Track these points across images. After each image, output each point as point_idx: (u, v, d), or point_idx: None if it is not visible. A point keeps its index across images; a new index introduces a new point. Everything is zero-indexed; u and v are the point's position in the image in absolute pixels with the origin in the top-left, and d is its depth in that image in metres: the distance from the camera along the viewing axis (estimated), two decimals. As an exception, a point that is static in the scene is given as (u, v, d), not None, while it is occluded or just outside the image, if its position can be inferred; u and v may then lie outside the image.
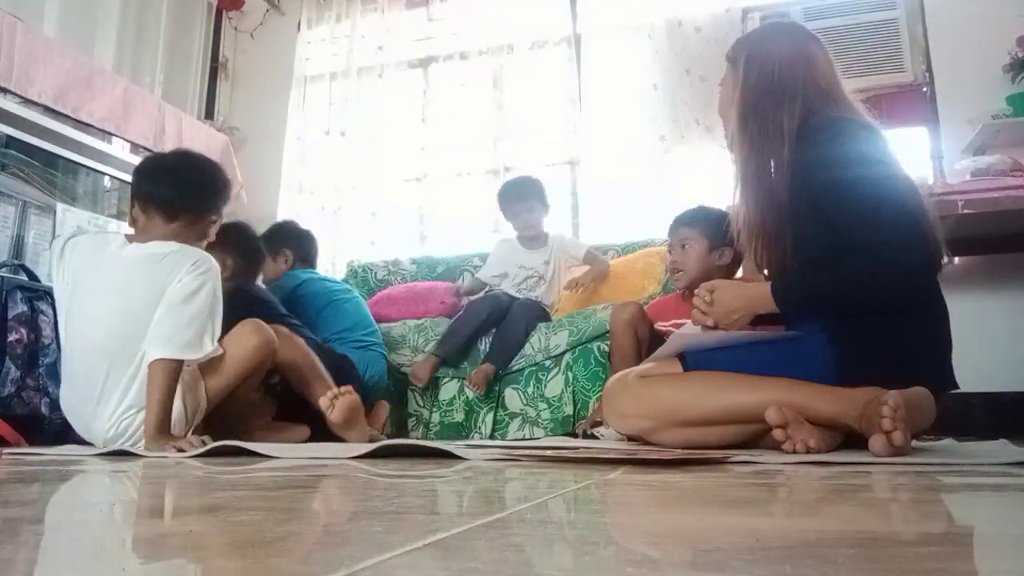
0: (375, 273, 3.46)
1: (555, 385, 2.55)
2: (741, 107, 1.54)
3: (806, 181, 1.43)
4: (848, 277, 1.40)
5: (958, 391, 1.46)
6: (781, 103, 1.48)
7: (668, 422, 1.43)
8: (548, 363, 2.59)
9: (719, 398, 1.40)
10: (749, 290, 1.50)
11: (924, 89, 3.11)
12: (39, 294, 2.22)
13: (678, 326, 2.03)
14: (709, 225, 2.04)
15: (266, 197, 3.86)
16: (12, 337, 2.12)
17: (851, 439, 1.36)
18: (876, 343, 1.38)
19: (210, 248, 1.89)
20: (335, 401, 1.90)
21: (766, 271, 1.61)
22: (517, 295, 2.89)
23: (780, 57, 1.53)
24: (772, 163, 1.48)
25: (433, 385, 2.71)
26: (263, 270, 2.50)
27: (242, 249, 2.26)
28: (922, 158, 3.09)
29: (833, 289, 1.41)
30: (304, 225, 2.97)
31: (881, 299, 1.38)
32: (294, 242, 2.79)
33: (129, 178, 3.03)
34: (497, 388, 2.64)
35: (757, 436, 1.42)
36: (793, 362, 1.41)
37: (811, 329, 1.44)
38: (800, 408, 1.34)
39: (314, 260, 2.88)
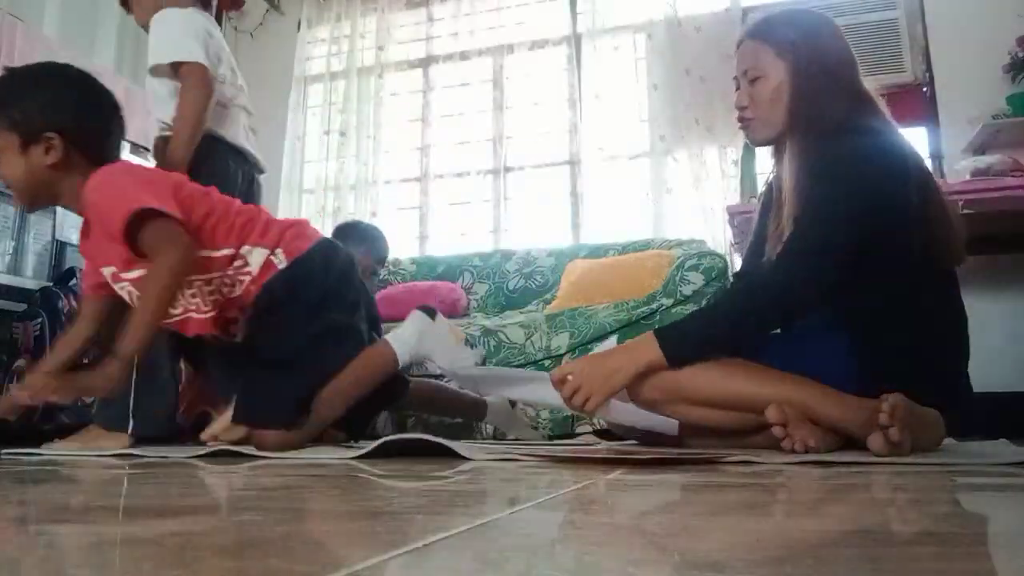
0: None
1: (555, 385, 2.55)
2: (799, 96, 1.46)
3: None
4: (733, 310, 1.40)
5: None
6: (834, 99, 1.44)
7: (676, 398, 1.43)
8: (548, 363, 2.59)
9: (729, 384, 1.40)
10: (621, 348, 1.43)
11: (924, 89, 3.11)
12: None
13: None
14: (14, 109, 1.51)
15: (266, 197, 3.85)
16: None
17: (851, 441, 1.36)
18: (891, 353, 1.37)
19: None
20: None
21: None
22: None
23: (838, 55, 1.50)
24: (812, 156, 1.45)
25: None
26: None
27: None
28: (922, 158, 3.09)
29: (729, 325, 1.40)
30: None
31: (768, 326, 1.40)
32: None
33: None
34: (497, 388, 2.64)
35: (760, 426, 1.41)
36: (810, 360, 1.40)
37: (829, 328, 1.43)
38: (806, 408, 1.33)
39: None
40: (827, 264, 1.35)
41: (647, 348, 1.39)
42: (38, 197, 1.59)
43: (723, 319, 1.42)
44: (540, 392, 1.52)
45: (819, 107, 1.44)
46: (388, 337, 1.71)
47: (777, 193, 1.56)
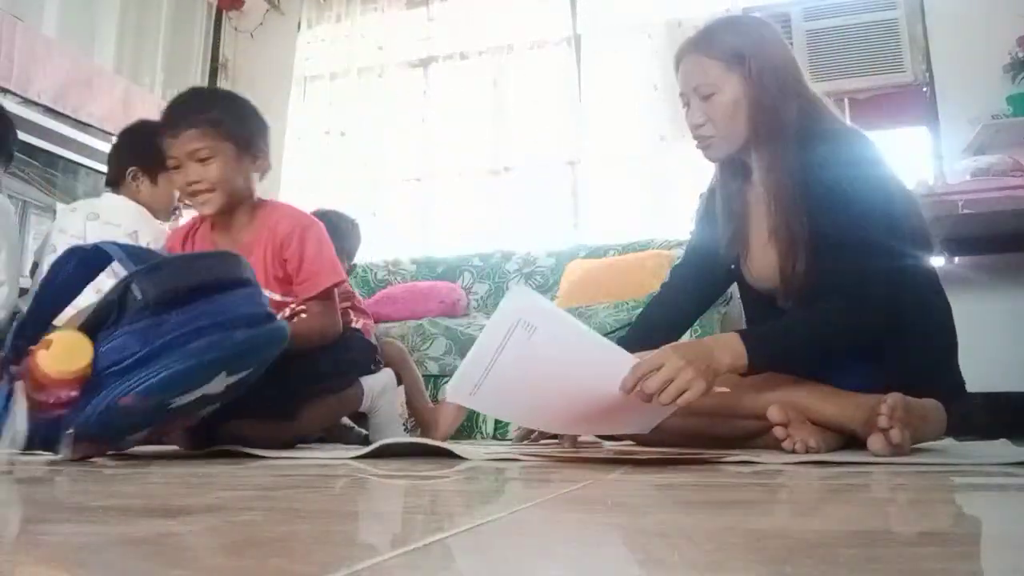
0: (375, 273, 3.46)
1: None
2: (758, 107, 1.44)
3: (804, 185, 1.41)
4: (830, 320, 1.34)
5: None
6: (789, 104, 1.44)
7: (677, 410, 1.42)
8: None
9: (728, 391, 1.40)
10: (699, 344, 1.32)
11: (924, 89, 3.11)
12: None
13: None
14: (235, 120, 1.67)
15: (266, 197, 3.85)
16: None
17: (852, 441, 1.36)
18: (886, 350, 1.37)
19: None
20: None
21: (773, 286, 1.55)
22: None
23: (784, 60, 1.48)
24: (781, 165, 1.44)
25: (431, 386, 2.71)
26: None
27: None
28: (922, 158, 3.09)
29: (816, 335, 1.34)
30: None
31: (864, 338, 1.34)
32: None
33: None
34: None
35: (761, 431, 1.41)
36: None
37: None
38: (805, 408, 1.34)
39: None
40: (881, 289, 1.34)
41: (732, 350, 1.29)
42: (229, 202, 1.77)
43: (804, 338, 1.35)
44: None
45: (779, 115, 1.43)
46: (364, 382, 1.92)
47: (734, 204, 1.55)
